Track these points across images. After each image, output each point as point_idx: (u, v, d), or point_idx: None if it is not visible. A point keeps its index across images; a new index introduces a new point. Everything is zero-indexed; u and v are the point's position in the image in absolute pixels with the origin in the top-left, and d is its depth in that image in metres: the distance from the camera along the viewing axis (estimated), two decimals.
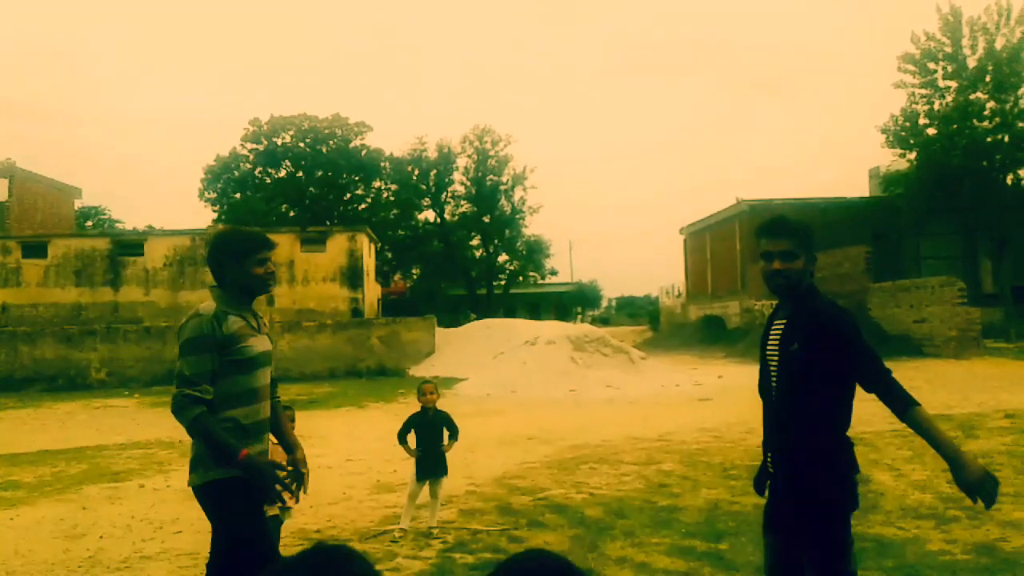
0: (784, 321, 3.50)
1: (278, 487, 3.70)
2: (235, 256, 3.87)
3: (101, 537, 7.20)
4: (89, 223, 57.31)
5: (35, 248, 31.21)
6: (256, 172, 54.50)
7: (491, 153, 55.68)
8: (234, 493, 3.64)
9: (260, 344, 3.87)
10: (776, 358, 3.46)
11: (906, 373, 20.36)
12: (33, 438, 14.65)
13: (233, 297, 3.87)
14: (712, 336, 35.38)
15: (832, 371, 3.32)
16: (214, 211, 54.12)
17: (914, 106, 33.26)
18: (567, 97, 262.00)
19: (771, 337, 3.56)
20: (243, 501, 3.65)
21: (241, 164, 54.43)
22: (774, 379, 3.46)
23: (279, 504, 4.27)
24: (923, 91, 33.08)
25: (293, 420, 6.65)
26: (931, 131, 32.79)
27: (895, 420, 3.28)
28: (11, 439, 14.56)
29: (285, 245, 30.89)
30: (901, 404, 3.24)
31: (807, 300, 3.49)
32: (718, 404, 15.80)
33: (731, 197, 39.59)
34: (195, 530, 7.34)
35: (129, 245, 31.45)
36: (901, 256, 34.95)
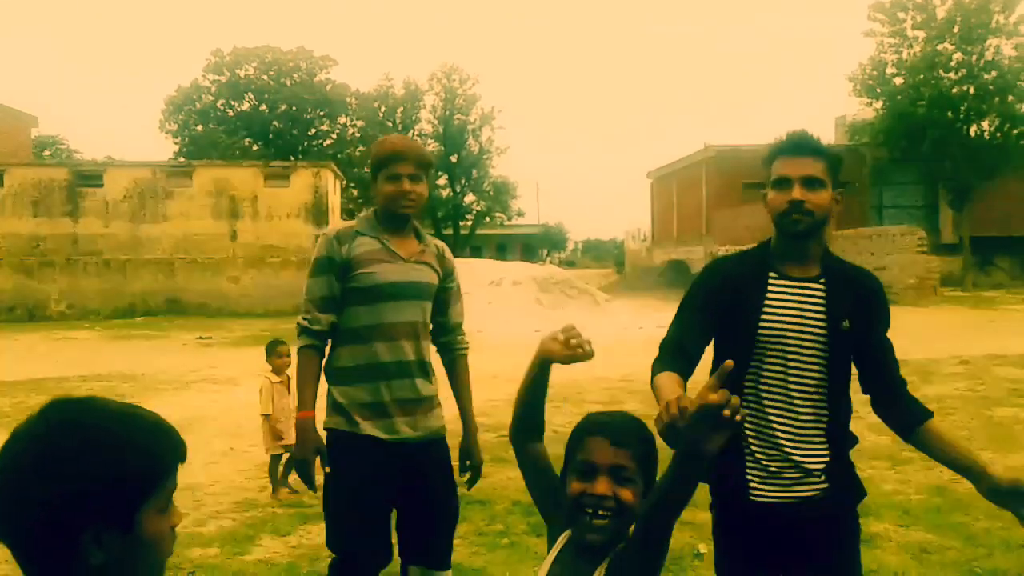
0: (822, 286, 2.57)
1: (313, 468, 3.23)
2: (372, 171, 3.34)
3: None
4: (47, 152, 55.99)
5: None
6: (218, 104, 53.45)
7: (459, 92, 55.17)
8: (336, 448, 3.23)
9: (394, 273, 3.24)
10: (816, 339, 2.53)
11: None
12: None
13: (380, 218, 3.34)
14: (676, 280, 35.60)
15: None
16: (175, 143, 53.15)
17: (882, 55, 33.26)
18: (536, 38, 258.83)
19: (789, 308, 2.55)
20: (340, 460, 3.20)
21: (203, 95, 53.34)
22: (803, 369, 2.54)
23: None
24: (891, 40, 33.04)
25: (289, 355, 6.71)
26: (898, 81, 32.86)
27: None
28: None
29: (248, 180, 30.47)
30: (916, 414, 2.57)
31: (833, 258, 2.66)
32: None
33: (698, 143, 39.60)
34: None
35: (88, 176, 30.75)
36: (864, 204, 35.30)
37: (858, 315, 2.55)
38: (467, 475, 3.61)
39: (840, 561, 2.58)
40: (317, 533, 5.53)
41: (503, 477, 6.57)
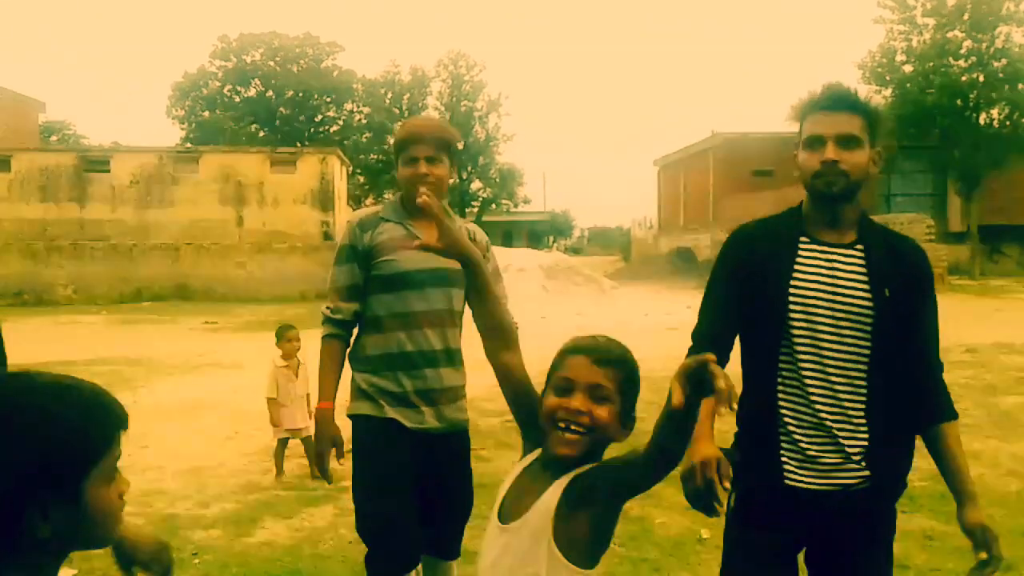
0: (859, 252, 2.37)
1: (329, 460, 3.23)
2: (394, 155, 3.24)
3: None
4: (54, 138, 56.05)
5: None
6: (225, 90, 53.53)
7: (466, 78, 55.07)
8: (361, 433, 3.20)
9: (418, 260, 3.08)
10: (851, 309, 2.32)
11: None
12: None
13: (404, 203, 3.24)
14: (683, 268, 35.58)
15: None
16: (182, 129, 53.21)
17: (892, 42, 33.11)
18: (543, 25, 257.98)
19: (822, 275, 2.36)
20: (367, 444, 3.17)
21: (209, 82, 53.41)
22: (838, 341, 2.33)
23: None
24: (901, 27, 32.87)
25: (299, 340, 6.74)
26: (907, 68, 32.71)
27: None
28: None
29: (254, 166, 30.47)
30: (939, 410, 2.41)
31: (871, 223, 2.45)
32: (686, 333, 15.86)
33: (706, 131, 39.50)
34: (162, 445, 7.38)
35: (95, 161, 30.74)
36: (872, 193, 35.18)
37: (899, 285, 2.34)
38: None
39: (868, 561, 2.43)
40: (320, 516, 5.55)
41: (506, 462, 6.58)
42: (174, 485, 6.23)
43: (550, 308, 20.12)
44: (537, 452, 1.98)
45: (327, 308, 3.22)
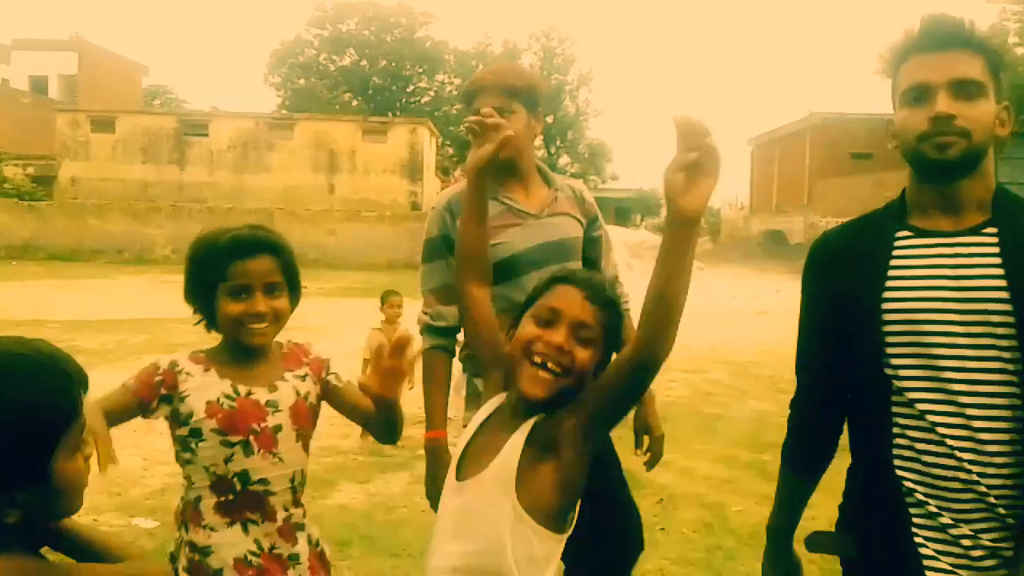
0: (990, 238, 1.66)
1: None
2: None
3: None
4: (157, 102, 57.82)
5: (104, 123, 31.54)
6: (320, 58, 54.37)
7: (557, 51, 54.79)
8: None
9: (528, 236, 2.52)
10: (990, 315, 1.61)
11: None
12: (99, 307, 15.11)
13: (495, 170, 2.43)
14: (773, 251, 34.84)
15: None
16: (278, 95, 54.29)
17: (1004, 23, 31.65)
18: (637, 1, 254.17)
19: (933, 274, 1.67)
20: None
21: (305, 49, 54.24)
22: (971, 366, 1.62)
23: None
24: (1015, 7, 31.42)
25: (401, 306, 6.79)
26: (1019, 50, 31.27)
27: None
28: (79, 307, 15.05)
29: (347, 134, 30.93)
30: None
31: (1009, 199, 1.72)
32: (773, 318, 15.64)
33: (803, 110, 38.47)
34: None
35: (195, 125, 31.65)
36: None
37: None
38: (646, 453, 2.92)
39: None
40: (395, 483, 5.61)
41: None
42: None
43: (634, 287, 19.92)
44: (497, 400, 1.75)
45: (424, 314, 2.66)
